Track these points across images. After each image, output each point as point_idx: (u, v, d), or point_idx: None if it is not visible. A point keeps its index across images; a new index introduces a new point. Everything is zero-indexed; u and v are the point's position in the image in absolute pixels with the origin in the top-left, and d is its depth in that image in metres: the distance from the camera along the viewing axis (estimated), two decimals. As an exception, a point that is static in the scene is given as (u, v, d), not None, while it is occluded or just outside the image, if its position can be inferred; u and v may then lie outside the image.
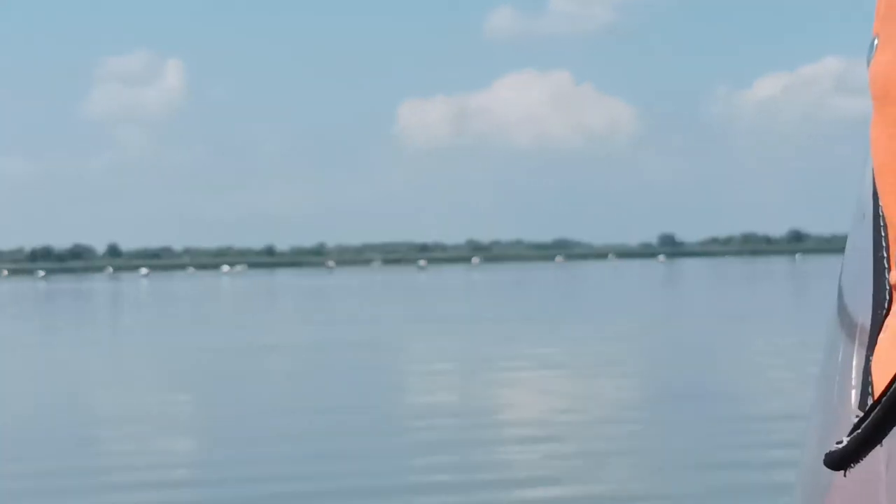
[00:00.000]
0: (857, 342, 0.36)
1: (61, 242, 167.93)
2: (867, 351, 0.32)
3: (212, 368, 17.66)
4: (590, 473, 8.39)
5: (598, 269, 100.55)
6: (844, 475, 0.30)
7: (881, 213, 0.36)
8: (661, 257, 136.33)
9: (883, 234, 0.36)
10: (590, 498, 7.49)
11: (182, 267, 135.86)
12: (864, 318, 0.34)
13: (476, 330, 23.37)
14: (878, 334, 0.31)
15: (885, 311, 0.31)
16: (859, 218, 0.44)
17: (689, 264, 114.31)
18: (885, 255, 0.35)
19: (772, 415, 10.52)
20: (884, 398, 0.27)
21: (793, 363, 14.55)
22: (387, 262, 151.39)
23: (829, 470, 0.30)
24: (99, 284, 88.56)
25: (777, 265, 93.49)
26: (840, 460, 0.29)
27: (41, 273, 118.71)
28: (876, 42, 0.38)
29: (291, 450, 9.55)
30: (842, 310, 0.44)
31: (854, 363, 0.33)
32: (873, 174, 0.32)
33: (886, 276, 0.31)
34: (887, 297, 0.31)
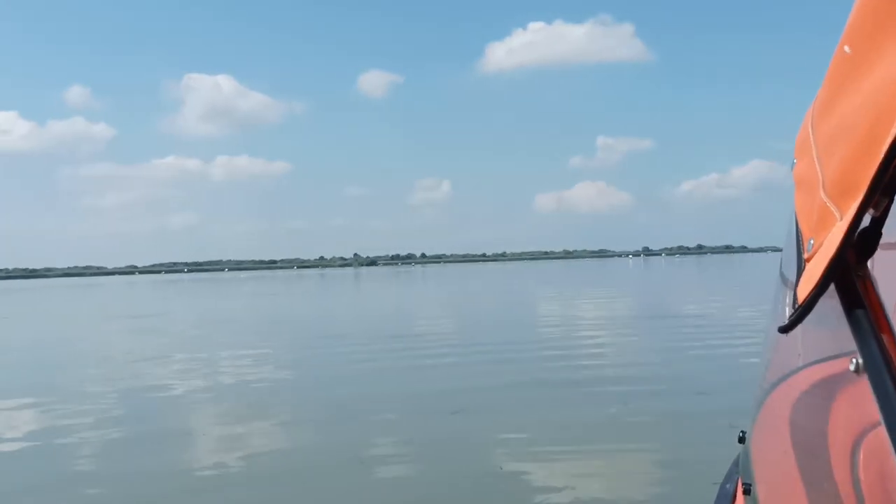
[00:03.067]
0: (787, 286, 0.76)
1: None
2: (793, 291, 0.68)
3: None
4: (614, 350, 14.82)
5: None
6: (786, 334, 0.65)
7: (798, 228, 0.83)
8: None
9: (798, 236, 0.83)
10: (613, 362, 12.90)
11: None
12: (791, 274, 0.73)
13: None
14: (798, 282, 0.67)
15: (802, 271, 0.71)
16: (789, 231, 0.93)
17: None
18: (800, 245, 0.80)
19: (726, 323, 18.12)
20: (801, 306, 0.64)
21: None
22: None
23: (779, 334, 0.70)
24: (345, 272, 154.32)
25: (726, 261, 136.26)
26: (786, 328, 0.64)
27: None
28: (795, 161, 0.89)
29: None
30: (781, 271, 0.92)
31: (787, 298, 0.67)
32: (795, 210, 0.67)
33: (802, 255, 0.65)
34: (803, 264, 0.71)
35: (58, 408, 10.64)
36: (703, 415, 8.24)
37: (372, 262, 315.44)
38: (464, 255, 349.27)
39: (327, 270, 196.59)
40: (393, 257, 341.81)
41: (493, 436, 7.63)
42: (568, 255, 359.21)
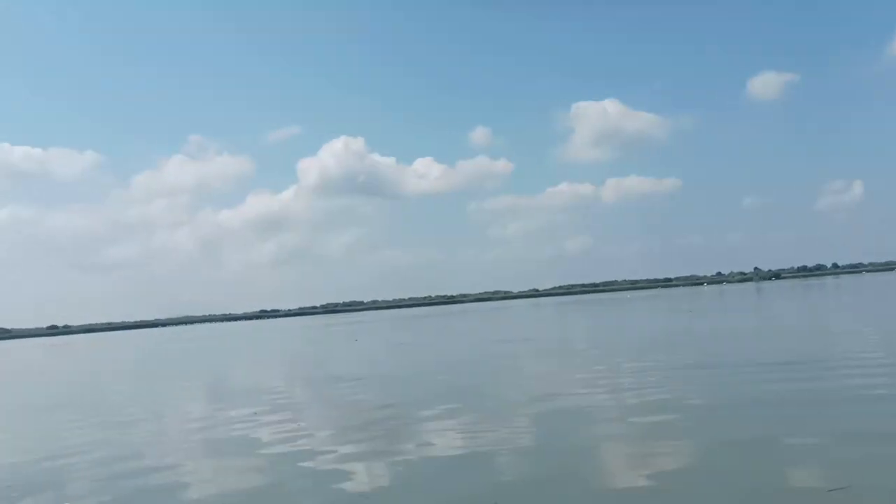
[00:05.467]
0: None
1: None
2: None
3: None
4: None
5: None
6: None
7: None
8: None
9: None
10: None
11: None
12: None
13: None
14: None
15: None
16: None
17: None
18: None
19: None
20: None
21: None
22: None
23: None
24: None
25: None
26: None
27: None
28: None
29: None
30: None
31: None
32: None
33: None
34: None
35: (476, 421, 12.47)
36: None
37: (775, 276, 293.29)
38: (885, 264, 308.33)
39: (725, 286, 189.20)
40: (799, 269, 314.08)
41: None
42: None
